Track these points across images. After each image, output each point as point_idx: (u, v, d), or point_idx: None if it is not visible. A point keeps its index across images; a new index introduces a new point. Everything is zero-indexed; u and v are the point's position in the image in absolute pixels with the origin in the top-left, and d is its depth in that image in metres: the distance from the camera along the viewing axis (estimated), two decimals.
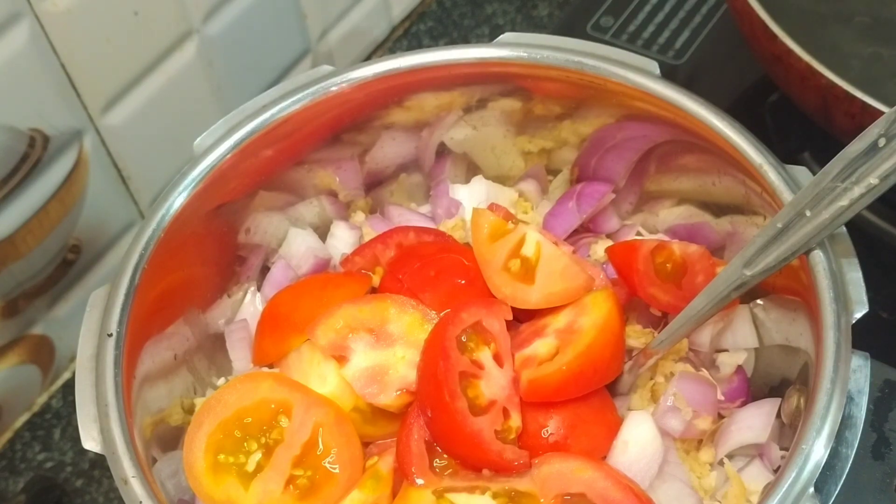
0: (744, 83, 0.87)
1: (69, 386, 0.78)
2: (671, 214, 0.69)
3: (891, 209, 0.77)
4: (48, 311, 0.76)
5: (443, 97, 0.67)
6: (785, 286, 0.58)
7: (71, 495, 0.73)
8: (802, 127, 0.74)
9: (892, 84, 0.76)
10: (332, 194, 0.71)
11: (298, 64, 0.89)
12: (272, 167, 0.66)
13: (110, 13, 0.68)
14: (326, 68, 0.64)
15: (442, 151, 0.71)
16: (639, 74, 0.60)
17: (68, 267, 0.75)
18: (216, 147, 0.61)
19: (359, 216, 0.71)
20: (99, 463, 0.75)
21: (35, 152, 0.68)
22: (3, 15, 0.62)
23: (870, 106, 0.63)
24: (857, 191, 0.49)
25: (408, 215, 0.71)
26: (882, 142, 0.48)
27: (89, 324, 0.56)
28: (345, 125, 0.67)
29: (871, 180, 0.48)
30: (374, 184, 0.72)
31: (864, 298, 0.51)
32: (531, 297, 0.58)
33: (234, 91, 0.82)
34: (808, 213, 0.51)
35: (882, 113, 0.62)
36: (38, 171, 0.68)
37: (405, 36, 1.00)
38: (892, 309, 0.71)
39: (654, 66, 0.61)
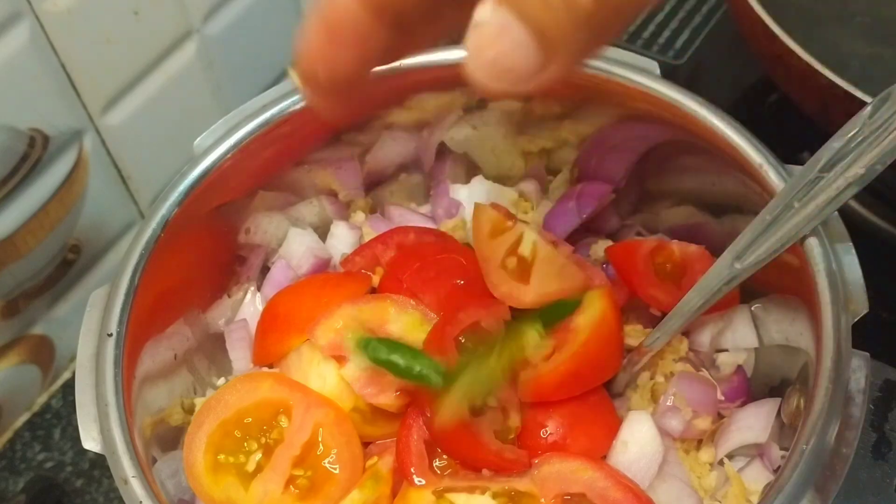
0: (744, 83, 0.87)
1: (69, 386, 0.78)
2: (671, 214, 0.69)
3: (891, 209, 0.77)
4: (48, 311, 0.76)
5: (443, 97, 0.67)
6: (785, 286, 0.58)
7: (71, 495, 0.73)
8: (802, 127, 0.74)
9: (892, 84, 0.76)
10: (332, 194, 0.71)
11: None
12: (272, 167, 0.66)
13: (110, 13, 0.68)
14: None
15: (442, 151, 0.71)
16: (639, 74, 0.60)
17: (68, 267, 0.75)
18: (216, 147, 0.61)
19: (359, 216, 0.71)
20: (99, 463, 0.75)
21: (35, 152, 0.68)
22: (3, 15, 0.61)
23: None
24: (844, 181, 0.49)
25: (408, 215, 0.71)
26: (866, 132, 0.48)
27: (89, 324, 0.56)
28: (345, 125, 0.67)
29: (857, 170, 0.49)
30: (374, 184, 0.72)
31: (865, 299, 0.51)
32: (527, 296, 0.58)
33: (234, 91, 0.82)
34: (796, 205, 0.51)
35: None
36: (38, 171, 0.68)
37: None
38: (893, 309, 0.71)
39: (655, 66, 0.61)
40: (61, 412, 0.78)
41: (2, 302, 0.71)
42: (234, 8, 0.79)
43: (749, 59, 0.76)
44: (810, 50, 0.67)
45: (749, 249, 0.52)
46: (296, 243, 0.69)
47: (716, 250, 0.65)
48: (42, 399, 0.78)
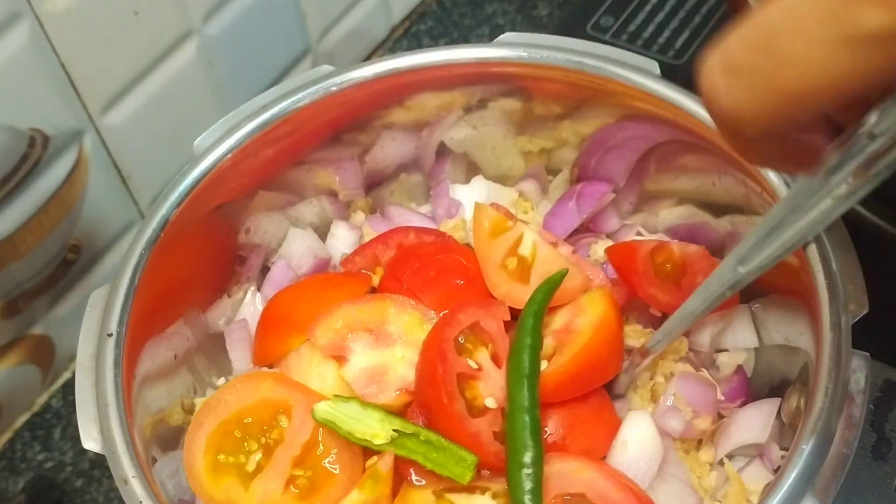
0: None
1: (69, 386, 0.78)
2: (671, 214, 0.69)
3: (891, 209, 0.77)
4: (48, 311, 0.76)
5: (443, 97, 0.67)
6: (785, 286, 0.58)
7: (71, 495, 0.73)
8: None
9: None
10: (332, 194, 0.71)
11: (298, 64, 0.89)
12: (272, 167, 0.66)
13: (110, 13, 0.68)
14: (326, 68, 0.64)
15: (442, 151, 0.71)
16: (639, 74, 0.60)
17: (68, 267, 0.75)
18: (216, 147, 0.61)
19: (359, 216, 0.71)
20: (99, 463, 0.75)
21: (35, 152, 0.68)
22: (3, 15, 0.61)
23: None
24: (847, 187, 0.49)
25: (408, 215, 0.71)
26: (871, 137, 0.48)
27: (89, 324, 0.56)
28: (345, 125, 0.67)
29: (862, 175, 0.48)
30: (375, 184, 0.72)
31: (865, 299, 0.51)
32: (526, 297, 0.58)
33: (234, 91, 0.82)
34: (800, 209, 0.51)
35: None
36: (38, 171, 0.68)
37: (405, 36, 1.00)
38: (893, 309, 0.71)
39: (654, 66, 0.61)
40: (61, 412, 0.78)
41: (2, 302, 0.71)
42: (234, 8, 0.79)
43: None
44: None
45: (752, 253, 0.52)
46: (296, 243, 0.69)
47: (716, 250, 0.65)
48: (42, 399, 0.78)
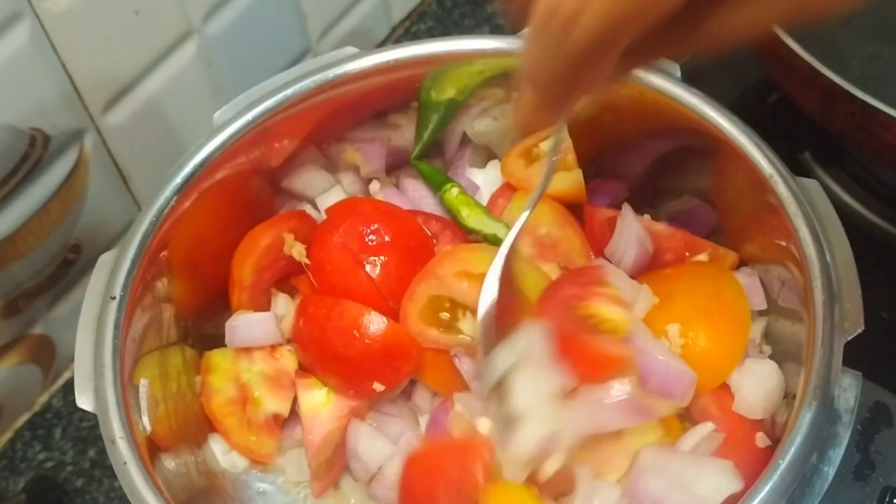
0: (744, 83, 0.87)
1: (70, 385, 0.78)
2: (672, 207, 0.69)
3: (891, 209, 0.77)
4: (48, 310, 0.76)
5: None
6: (786, 300, 0.58)
7: (71, 495, 0.73)
8: (802, 127, 0.74)
9: (893, 83, 0.76)
10: (355, 171, 0.71)
11: (299, 63, 0.89)
12: (294, 144, 0.66)
13: (111, 13, 0.68)
14: (350, 50, 0.64)
15: (463, 140, 0.71)
16: (660, 77, 0.60)
17: (68, 267, 0.75)
18: (235, 121, 0.62)
19: (374, 185, 0.72)
20: (99, 463, 0.75)
21: (35, 152, 0.68)
22: (3, 15, 0.61)
23: (870, 105, 0.63)
24: None
25: (422, 190, 0.71)
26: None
27: (95, 286, 0.56)
28: (367, 107, 0.67)
29: None
30: (396, 166, 0.72)
31: (861, 317, 0.51)
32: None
33: (234, 91, 0.81)
34: None
35: (883, 113, 0.62)
36: (39, 171, 0.68)
37: (405, 35, 1.00)
38: (892, 309, 0.71)
39: (676, 69, 0.61)
40: (62, 412, 0.78)
41: (2, 302, 0.71)
42: (234, 8, 0.79)
43: (749, 59, 0.76)
44: (810, 50, 0.67)
45: None
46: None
47: (711, 233, 0.65)
48: (43, 399, 0.78)
